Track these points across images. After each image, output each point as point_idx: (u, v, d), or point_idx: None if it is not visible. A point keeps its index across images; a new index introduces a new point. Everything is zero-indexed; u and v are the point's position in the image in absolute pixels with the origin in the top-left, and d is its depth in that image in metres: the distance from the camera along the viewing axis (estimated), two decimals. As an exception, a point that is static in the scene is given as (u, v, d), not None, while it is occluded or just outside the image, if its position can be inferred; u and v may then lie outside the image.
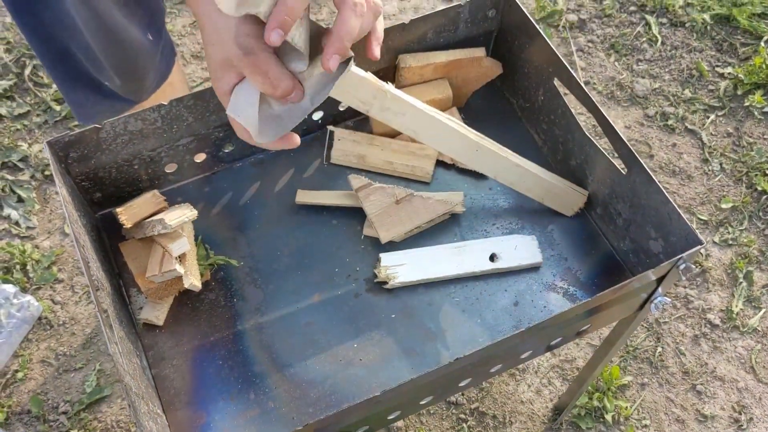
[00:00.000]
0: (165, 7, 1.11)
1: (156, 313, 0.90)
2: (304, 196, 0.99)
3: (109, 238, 0.96)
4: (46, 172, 1.66)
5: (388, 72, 1.03)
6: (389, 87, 0.85)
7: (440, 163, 1.03)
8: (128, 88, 1.09)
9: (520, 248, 0.95)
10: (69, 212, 0.83)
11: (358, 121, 1.07)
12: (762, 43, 1.88)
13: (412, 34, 1.00)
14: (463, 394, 1.42)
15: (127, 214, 0.90)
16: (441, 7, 0.99)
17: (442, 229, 0.98)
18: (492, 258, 0.95)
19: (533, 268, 0.95)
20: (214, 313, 0.92)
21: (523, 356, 0.89)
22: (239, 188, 1.01)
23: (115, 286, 0.90)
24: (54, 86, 1.79)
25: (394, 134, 1.04)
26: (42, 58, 1.02)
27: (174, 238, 0.87)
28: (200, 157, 0.99)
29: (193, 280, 0.88)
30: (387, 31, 0.98)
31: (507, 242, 0.96)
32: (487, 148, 0.93)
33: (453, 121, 0.90)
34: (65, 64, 1.02)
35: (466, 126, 0.92)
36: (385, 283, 0.93)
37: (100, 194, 0.96)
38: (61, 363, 1.44)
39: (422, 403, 0.84)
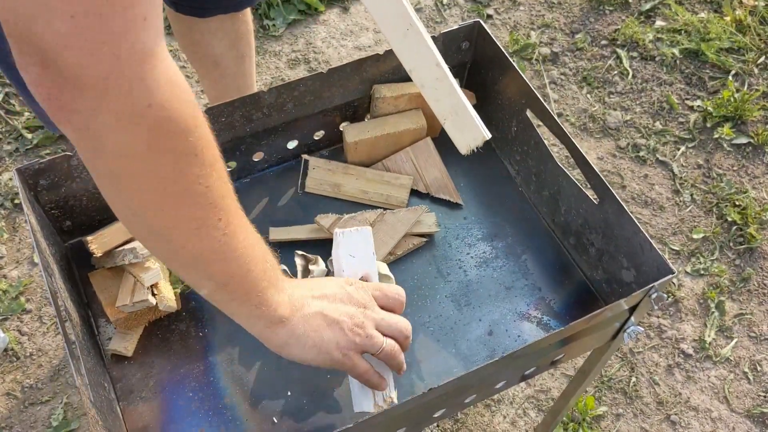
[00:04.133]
0: None
1: (125, 344, 0.88)
2: (277, 234, 0.98)
3: (78, 267, 0.95)
4: (16, 201, 1.63)
5: (363, 102, 1.04)
6: None
7: (415, 192, 1.04)
8: None
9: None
10: (37, 241, 0.82)
11: (332, 150, 1.07)
12: (730, 77, 1.93)
13: (387, 65, 1.01)
14: (438, 425, 1.40)
15: (97, 243, 0.89)
16: (415, 38, 1.00)
17: (417, 257, 0.98)
18: None
19: (507, 300, 0.95)
20: (184, 344, 0.90)
21: (497, 386, 0.88)
22: (212, 217, 1.00)
23: (84, 316, 0.89)
24: (26, 114, 1.77)
25: (368, 163, 1.04)
26: (7, 77, 1.03)
27: (146, 268, 0.86)
28: (173, 186, 0.98)
29: (168, 302, 0.87)
30: (361, 61, 0.98)
31: None
32: (418, 31, 0.86)
33: None
34: (21, 85, 1.03)
35: (412, 12, 0.86)
36: (359, 312, 0.92)
37: (70, 222, 0.95)
38: (27, 396, 1.41)
39: (396, 434, 0.83)
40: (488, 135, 0.90)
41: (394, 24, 0.84)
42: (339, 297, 0.77)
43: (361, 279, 0.84)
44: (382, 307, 0.80)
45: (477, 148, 0.90)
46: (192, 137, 0.58)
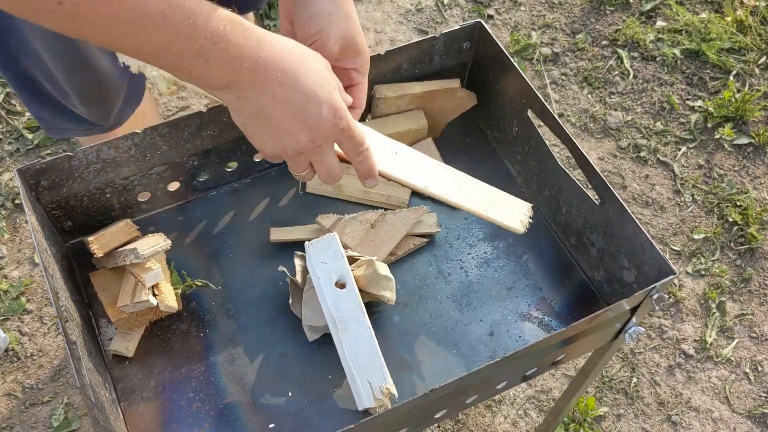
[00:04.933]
0: None
1: (126, 344, 0.88)
2: (278, 234, 0.98)
3: (79, 267, 0.95)
4: (17, 201, 1.63)
5: (364, 102, 1.04)
6: None
7: (415, 193, 1.03)
8: (94, 114, 1.08)
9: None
10: (38, 241, 0.82)
11: (333, 150, 1.07)
12: (731, 78, 1.93)
13: (388, 65, 1.01)
14: (439, 426, 1.40)
15: (98, 243, 0.89)
16: (416, 38, 1.00)
17: (418, 258, 0.98)
18: None
19: (509, 300, 0.95)
20: (185, 344, 0.90)
21: (498, 387, 0.88)
22: (213, 217, 1.00)
23: (85, 316, 0.89)
24: (26, 114, 1.77)
25: (369, 164, 1.04)
26: (8, 79, 1.02)
27: (147, 268, 0.86)
28: (174, 186, 0.99)
29: (169, 302, 0.87)
30: (363, 61, 0.98)
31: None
32: (411, 150, 0.85)
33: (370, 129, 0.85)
34: (30, 87, 1.02)
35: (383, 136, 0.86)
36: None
37: (71, 223, 0.95)
38: (28, 396, 1.40)
39: (397, 435, 0.83)
40: (529, 204, 0.90)
41: (386, 151, 0.82)
42: (305, 107, 0.67)
43: (337, 282, 0.86)
44: (339, 143, 0.72)
45: (530, 219, 0.89)
46: None
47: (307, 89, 0.67)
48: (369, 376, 0.82)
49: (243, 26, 0.62)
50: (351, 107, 0.78)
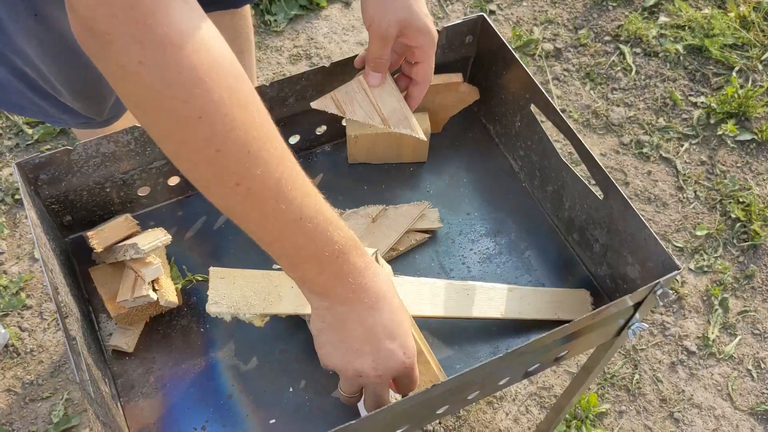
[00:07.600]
0: None
1: (126, 340, 0.88)
2: None
3: (79, 262, 0.94)
4: (16, 196, 1.63)
5: (366, 96, 1.03)
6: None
7: (417, 188, 1.03)
8: (88, 109, 1.07)
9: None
10: (38, 236, 0.81)
11: (335, 144, 1.06)
12: (733, 73, 1.92)
13: (390, 59, 1.00)
14: (440, 422, 1.40)
15: (98, 238, 0.88)
16: (418, 32, 0.99)
17: (420, 253, 0.97)
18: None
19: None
20: (186, 340, 0.90)
21: (500, 383, 0.88)
22: (214, 212, 0.99)
23: (84, 312, 0.88)
24: (27, 109, 1.76)
25: (369, 160, 1.04)
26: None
27: (147, 263, 0.85)
28: (174, 180, 0.98)
29: (169, 297, 0.86)
30: (364, 55, 0.97)
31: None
32: (476, 285, 0.90)
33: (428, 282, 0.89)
34: (26, 81, 1.00)
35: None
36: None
37: (71, 217, 0.94)
38: (28, 392, 1.40)
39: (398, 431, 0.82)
40: (586, 291, 0.95)
41: (458, 298, 0.89)
42: (381, 339, 0.71)
43: None
44: (397, 377, 0.75)
45: (591, 303, 0.95)
46: (193, 102, 0.57)
47: (389, 324, 0.71)
48: None
49: (359, 248, 0.69)
50: (416, 82, 0.92)
